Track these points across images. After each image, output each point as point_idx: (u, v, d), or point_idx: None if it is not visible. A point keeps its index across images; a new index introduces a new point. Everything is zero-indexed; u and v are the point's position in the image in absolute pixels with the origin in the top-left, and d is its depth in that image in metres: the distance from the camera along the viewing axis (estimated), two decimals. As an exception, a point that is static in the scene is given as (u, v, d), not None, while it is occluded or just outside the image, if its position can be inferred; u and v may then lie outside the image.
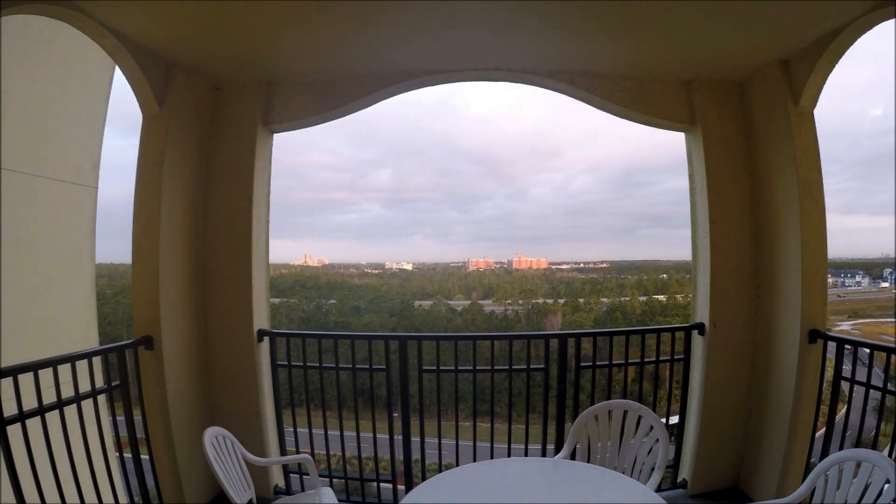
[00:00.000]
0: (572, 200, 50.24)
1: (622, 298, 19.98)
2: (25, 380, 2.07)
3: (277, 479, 3.29)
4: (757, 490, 3.03)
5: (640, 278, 21.96)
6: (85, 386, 2.36)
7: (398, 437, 3.16)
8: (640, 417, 2.45)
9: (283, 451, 3.31)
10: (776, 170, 2.94)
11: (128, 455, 2.70)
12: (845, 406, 3.01)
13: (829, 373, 2.82)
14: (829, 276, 3.09)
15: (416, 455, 3.17)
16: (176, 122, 2.86)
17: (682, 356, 3.25)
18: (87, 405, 2.38)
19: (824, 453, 2.68)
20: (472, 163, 60.10)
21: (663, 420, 2.55)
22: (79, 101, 3.31)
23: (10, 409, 2.02)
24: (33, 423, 2.09)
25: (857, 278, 19.05)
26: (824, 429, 2.79)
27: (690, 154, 3.28)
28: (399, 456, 3.16)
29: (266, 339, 3.18)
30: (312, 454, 3.18)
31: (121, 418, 2.72)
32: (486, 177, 53.00)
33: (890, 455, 2.34)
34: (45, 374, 2.16)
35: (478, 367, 3.09)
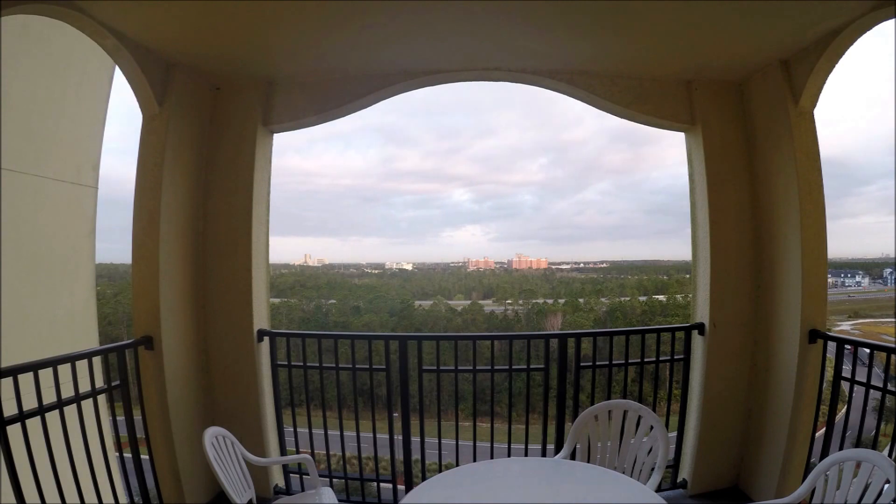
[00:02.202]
0: (653, 197, 48.65)
1: (622, 298, 20.00)
2: (25, 380, 2.07)
3: (277, 479, 3.30)
4: (757, 490, 3.02)
5: (640, 278, 21.99)
6: (85, 386, 2.36)
7: (398, 437, 3.16)
8: (640, 417, 2.45)
9: (283, 451, 3.31)
10: (776, 170, 2.94)
11: (128, 455, 2.70)
12: (845, 406, 3.01)
13: (829, 373, 2.82)
14: (829, 276, 3.09)
15: (416, 455, 3.17)
16: (176, 122, 2.86)
17: (682, 356, 3.24)
18: (87, 405, 2.38)
19: (824, 453, 2.68)
20: (608, 152, 56.83)
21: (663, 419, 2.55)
22: (79, 101, 3.31)
23: (10, 409, 2.02)
24: (33, 423, 2.09)
25: (857, 278, 19.06)
26: (824, 429, 2.79)
27: (690, 154, 3.28)
28: (399, 456, 3.16)
29: (266, 339, 3.19)
30: (312, 454, 3.18)
31: (121, 418, 2.72)
32: (592, 170, 50.96)
33: (890, 455, 2.34)
34: (45, 374, 2.16)
35: (478, 367, 3.09)
